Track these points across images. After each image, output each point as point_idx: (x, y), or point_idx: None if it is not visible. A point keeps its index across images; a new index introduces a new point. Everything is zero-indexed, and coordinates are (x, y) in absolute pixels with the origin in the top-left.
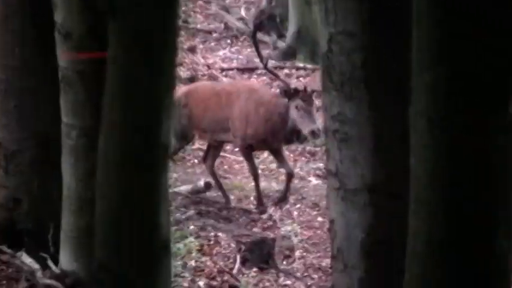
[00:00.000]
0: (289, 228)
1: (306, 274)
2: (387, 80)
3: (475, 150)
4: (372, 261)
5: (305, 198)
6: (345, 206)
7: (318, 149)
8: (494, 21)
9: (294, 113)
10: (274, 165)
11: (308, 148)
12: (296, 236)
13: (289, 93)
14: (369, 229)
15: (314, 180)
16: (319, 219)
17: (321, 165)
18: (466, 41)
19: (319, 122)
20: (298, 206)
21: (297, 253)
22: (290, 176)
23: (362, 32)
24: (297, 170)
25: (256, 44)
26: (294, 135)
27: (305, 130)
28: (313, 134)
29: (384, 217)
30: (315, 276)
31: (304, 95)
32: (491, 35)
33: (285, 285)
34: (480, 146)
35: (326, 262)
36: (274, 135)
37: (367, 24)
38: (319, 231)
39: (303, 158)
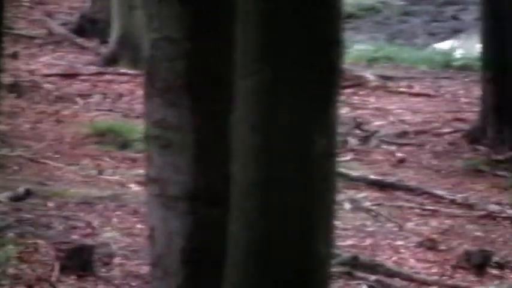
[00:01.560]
0: (108, 235)
1: (124, 281)
2: (212, 86)
3: (295, 156)
4: (192, 269)
5: (125, 205)
6: (166, 213)
7: (138, 155)
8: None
9: None
10: (94, 172)
11: (129, 155)
12: (115, 243)
13: None
14: (189, 237)
15: (134, 187)
16: (139, 226)
17: (142, 171)
18: (291, 46)
19: None
20: (118, 213)
21: (116, 260)
22: None
23: (185, 38)
24: (117, 177)
25: None
26: None
27: None
28: None
29: (205, 225)
30: (134, 283)
31: None
32: (318, 42)
33: None
34: (301, 151)
35: (145, 269)
36: None
37: (190, 29)
38: (138, 239)
39: (123, 165)
